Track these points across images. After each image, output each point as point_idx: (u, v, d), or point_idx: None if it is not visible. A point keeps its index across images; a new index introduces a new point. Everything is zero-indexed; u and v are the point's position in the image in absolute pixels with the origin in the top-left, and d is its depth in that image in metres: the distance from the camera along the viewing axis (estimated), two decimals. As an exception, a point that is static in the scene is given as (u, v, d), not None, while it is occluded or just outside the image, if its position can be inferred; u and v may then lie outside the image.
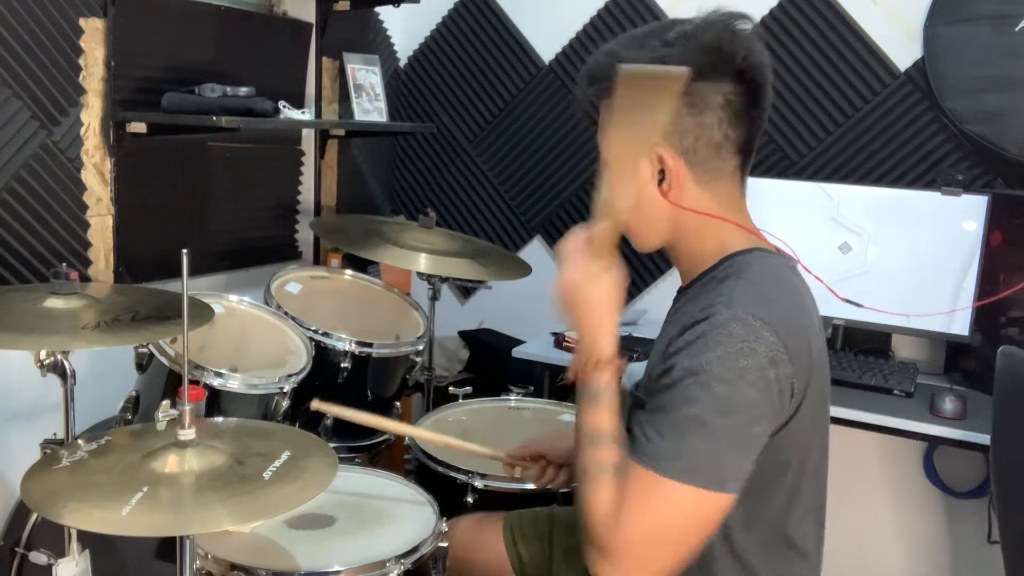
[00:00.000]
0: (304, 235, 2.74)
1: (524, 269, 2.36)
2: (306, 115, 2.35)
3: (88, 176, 2.03)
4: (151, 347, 1.69)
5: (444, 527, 1.52)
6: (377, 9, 2.87)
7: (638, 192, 1.14)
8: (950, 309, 2.14)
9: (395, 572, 1.40)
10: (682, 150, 1.12)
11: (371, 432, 2.13)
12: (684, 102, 1.09)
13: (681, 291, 1.23)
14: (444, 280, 2.33)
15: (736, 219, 1.17)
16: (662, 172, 1.13)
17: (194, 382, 1.63)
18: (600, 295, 1.11)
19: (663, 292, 2.68)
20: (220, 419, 1.53)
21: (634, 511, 1.02)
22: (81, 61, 1.98)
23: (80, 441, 1.28)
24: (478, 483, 1.72)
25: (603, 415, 1.09)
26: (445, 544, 1.49)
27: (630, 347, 2.25)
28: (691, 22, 1.12)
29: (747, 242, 1.16)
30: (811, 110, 2.49)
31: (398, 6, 2.65)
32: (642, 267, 2.71)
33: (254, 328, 1.96)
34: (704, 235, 1.16)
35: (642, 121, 1.10)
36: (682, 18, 1.14)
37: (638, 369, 1.28)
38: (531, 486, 1.72)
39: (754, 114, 1.13)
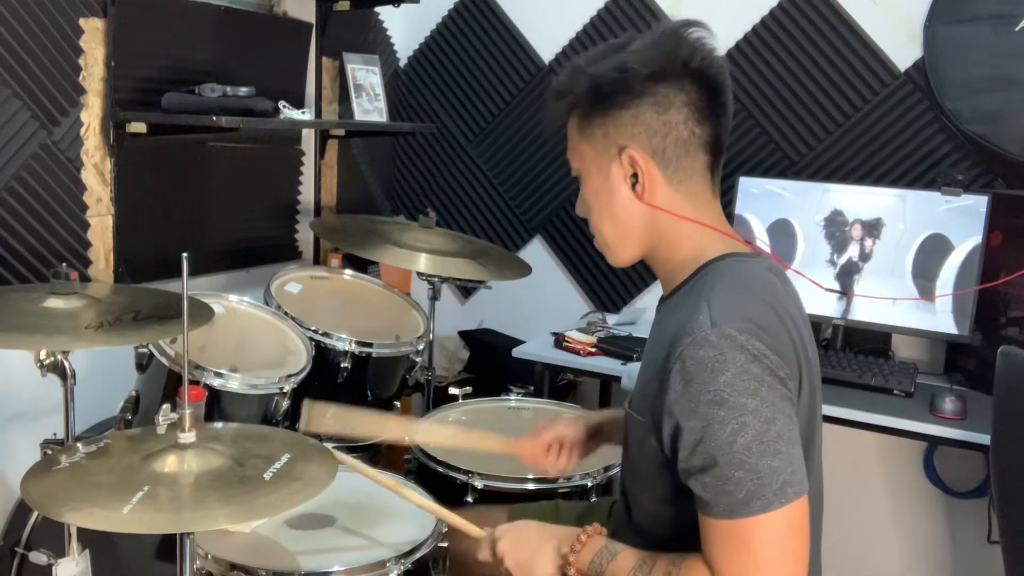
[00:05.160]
0: (304, 235, 2.74)
1: (524, 269, 2.36)
2: (306, 115, 2.35)
3: (88, 176, 2.03)
4: (151, 347, 1.69)
5: (444, 527, 1.53)
6: (377, 9, 2.87)
7: (612, 198, 1.18)
8: (943, 298, 2.14)
9: (395, 572, 1.40)
10: (651, 150, 1.15)
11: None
12: (648, 102, 1.13)
13: (663, 300, 1.24)
14: (444, 280, 2.33)
15: (709, 219, 1.19)
16: (634, 175, 1.16)
17: (194, 382, 1.63)
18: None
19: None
20: (220, 424, 1.53)
21: (759, 566, 1.01)
22: (81, 61, 1.98)
23: (79, 444, 1.28)
24: (478, 483, 1.72)
25: (619, 568, 1.12)
26: (445, 544, 1.49)
27: (630, 347, 2.26)
28: (649, 34, 1.17)
29: (721, 247, 1.17)
30: (811, 110, 2.49)
31: (398, 6, 2.65)
32: (641, 266, 2.71)
33: (254, 328, 1.96)
34: (679, 241, 1.18)
35: (609, 126, 1.16)
36: (639, 33, 1.19)
37: (637, 369, 1.28)
38: (531, 486, 1.73)
39: (717, 112, 1.16)
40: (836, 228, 2.28)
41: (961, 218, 2.14)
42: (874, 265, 2.24)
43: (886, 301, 2.21)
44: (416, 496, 1.45)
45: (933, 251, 2.17)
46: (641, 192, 1.16)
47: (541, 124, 2.83)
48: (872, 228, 2.24)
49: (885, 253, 2.23)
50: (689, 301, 1.11)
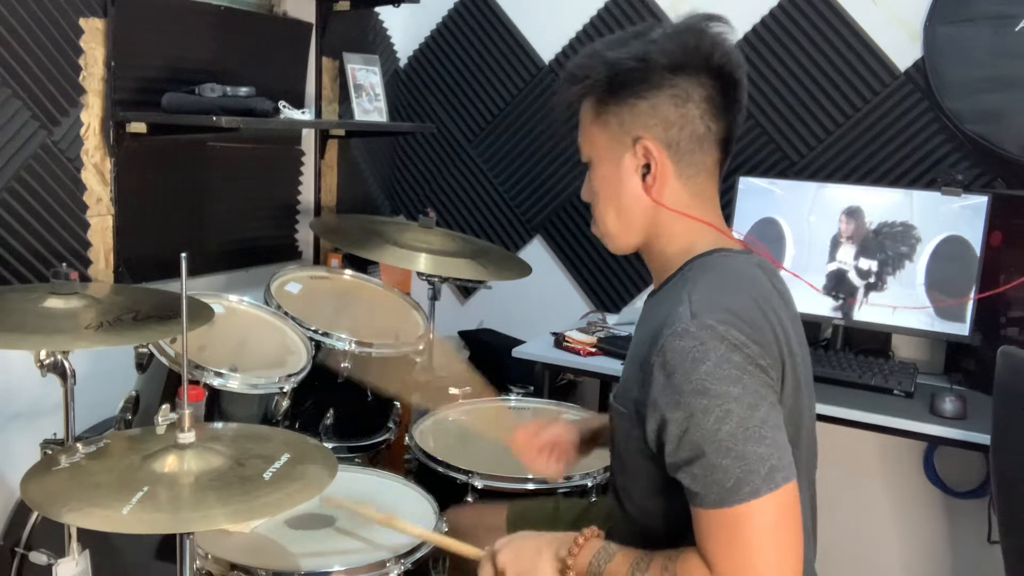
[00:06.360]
0: (304, 235, 2.74)
1: (524, 269, 2.36)
2: (306, 115, 2.35)
3: (88, 176, 2.03)
4: (151, 347, 1.69)
5: (444, 527, 1.53)
6: (377, 9, 2.87)
7: (620, 187, 1.18)
8: (939, 303, 2.14)
9: (395, 572, 1.41)
10: (667, 142, 1.15)
11: (371, 432, 2.13)
12: (667, 94, 1.13)
13: (651, 295, 1.25)
14: (444, 280, 2.33)
15: (709, 216, 1.20)
16: (646, 166, 1.16)
17: (194, 382, 1.63)
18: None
19: (663, 292, 2.68)
20: (219, 424, 1.53)
21: (753, 555, 1.01)
22: (81, 61, 1.98)
23: (79, 444, 1.28)
24: (478, 483, 1.72)
25: (616, 568, 1.11)
26: (445, 544, 1.49)
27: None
28: (671, 24, 1.17)
29: (712, 242, 1.18)
30: (811, 110, 2.49)
31: (398, 6, 2.65)
32: (642, 267, 2.71)
33: (254, 328, 1.96)
34: (675, 234, 1.19)
35: (626, 114, 1.15)
36: (660, 22, 1.19)
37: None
38: (531, 486, 1.73)
39: (733, 108, 1.17)
40: (835, 228, 2.28)
41: (961, 218, 2.13)
42: (874, 268, 2.24)
43: (884, 300, 2.21)
44: (412, 527, 1.44)
45: (951, 256, 2.15)
46: (651, 183, 1.17)
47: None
48: (872, 229, 2.24)
49: (889, 255, 2.23)
50: (672, 295, 1.12)
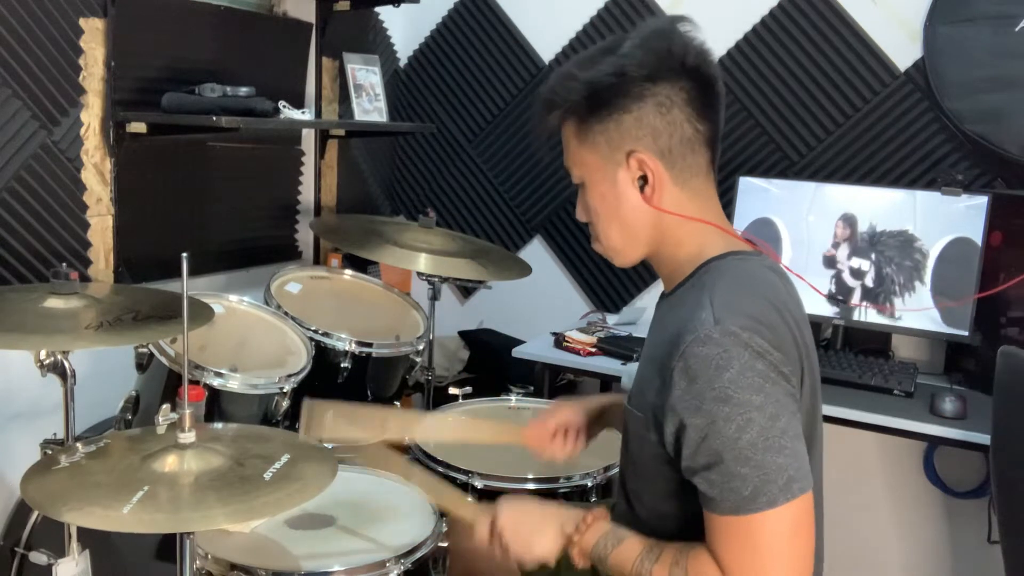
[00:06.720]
0: (304, 235, 2.74)
1: (524, 269, 2.36)
2: (306, 115, 2.35)
3: (88, 176, 2.03)
4: (151, 347, 1.70)
5: (444, 527, 1.53)
6: (377, 9, 2.87)
7: (620, 203, 1.17)
8: (942, 305, 2.14)
9: (395, 572, 1.41)
10: (659, 151, 1.15)
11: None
12: (650, 103, 1.13)
13: (664, 297, 1.25)
14: (444, 280, 2.33)
15: (711, 215, 1.20)
16: (643, 178, 1.16)
17: (194, 382, 1.64)
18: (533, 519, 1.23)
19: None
20: (220, 424, 1.53)
21: (766, 562, 1.01)
22: (81, 61, 1.98)
23: (79, 444, 1.28)
24: (478, 483, 1.72)
25: (624, 554, 1.11)
26: (445, 544, 1.49)
27: (630, 347, 2.26)
28: (638, 34, 1.16)
29: (723, 245, 1.18)
30: (811, 110, 2.49)
31: (398, 6, 2.65)
32: (641, 266, 2.71)
33: (254, 328, 1.96)
34: (683, 239, 1.19)
35: (612, 131, 1.15)
36: (626, 34, 1.17)
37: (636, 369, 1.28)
38: (531, 486, 1.73)
39: (715, 106, 1.16)
40: (835, 229, 2.28)
41: (961, 218, 2.13)
42: (871, 271, 2.23)
43: (883, 300, 2.21)
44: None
45: (956, 258, 2.14)
46: (651, 194, 1.16)
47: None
48: (872, 229, 2.24)
49: (884, 254, 2.23)
50: (690, 298, 1.12)
